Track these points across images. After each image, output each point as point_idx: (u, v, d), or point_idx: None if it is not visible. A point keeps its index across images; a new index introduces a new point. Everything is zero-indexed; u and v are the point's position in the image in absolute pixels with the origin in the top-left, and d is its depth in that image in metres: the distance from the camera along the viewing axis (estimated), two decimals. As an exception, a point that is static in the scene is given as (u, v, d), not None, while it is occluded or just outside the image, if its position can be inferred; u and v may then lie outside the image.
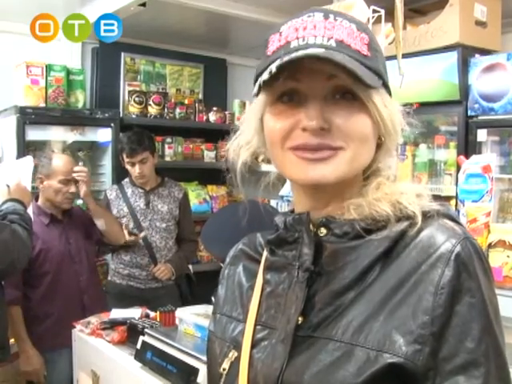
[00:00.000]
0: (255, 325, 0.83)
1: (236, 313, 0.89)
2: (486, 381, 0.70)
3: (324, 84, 0.75)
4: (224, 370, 0.84)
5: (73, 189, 2.86)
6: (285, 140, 0.78)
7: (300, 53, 0.72)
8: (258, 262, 0.91)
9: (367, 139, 0.78)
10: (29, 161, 2.74)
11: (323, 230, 0.81)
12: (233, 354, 0.84)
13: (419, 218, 0.77)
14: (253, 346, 0.82)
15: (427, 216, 0.78)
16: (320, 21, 0.77)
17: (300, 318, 0.77)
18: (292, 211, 0.89)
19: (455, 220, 0.80)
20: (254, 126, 0.84)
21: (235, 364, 0.82)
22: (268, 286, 0.85)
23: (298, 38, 0.76)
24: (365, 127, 0.77)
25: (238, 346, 0.84)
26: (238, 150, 0.87)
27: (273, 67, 0.73)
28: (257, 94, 0.78)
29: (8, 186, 2.48)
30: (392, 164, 0.87)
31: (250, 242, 0.97)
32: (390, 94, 0.82)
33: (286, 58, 0.72)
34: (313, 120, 0.75)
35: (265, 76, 0.74)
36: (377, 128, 0.79)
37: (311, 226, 0.82)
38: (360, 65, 0.75)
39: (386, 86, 0.81)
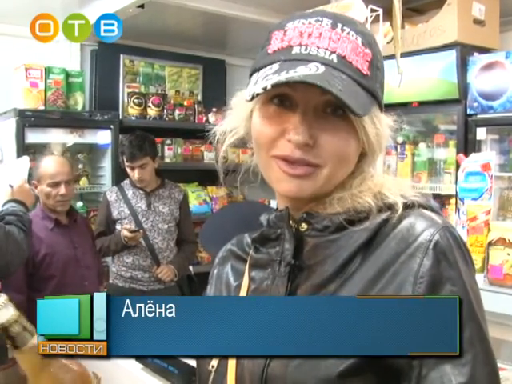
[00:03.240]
0: None
1: None
2: (473, 367, 0.70)
3: (317, 97, 0.75)
4: (213, 367, 0.84)
5: (62, 191, 2.79)
6: (270, 146, 0.79)
7: (296, 76, 0.72)
8: (246, 261, 0.91)
9: (347, 159, 0.79)
10: (25, 161, 2.72)
11: (304, 226, 0.82)
12: None
13: (400, 206, 0.78)
14: None
15: (407, 206, 0.79)
16: (327, 29, 0.77)
17: None
18: (276, 209, 0.90)
19: (435, 210, 0.81)
20: (242, 116, 0.84)
21: (223, 361, 0.83)
22: (253, 284, 0.86)
23: (300, 45, 0.76)
24: (348, 147, 0.78)
25: None
26: (225, 134, 0.87)
27: (268, 84, 0.72)
28: (250, 100, 0.77)
29: (11, 187, 2.48)
30: (374, 166, 0.87)
31: (238, 242, 0.97)
32: (381, 109, 0.82)
33: (282, 78, 0.72)
34: (299, 134, 0.75)
35: (258, 89, 0.73)
36: (361, 145, 0.80)
37: (293, 222, 0.83)
38: (356, 85, 0.75)
39: (379, 102, 0.81)
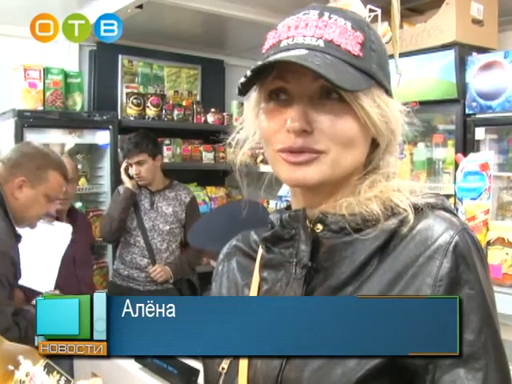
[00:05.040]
0: None
1: None
2: (487, 372, 0.70)
3: (310, 84, 0.76)
4: (223, 369, 0.83)
5: (70, 189, 2.83)
6: (274, 141, 0.79)
7: (272, 59, 0.73)
8: (253, 258, 0.91)
9: (352, 142, 0.78)
10: (67, 231, 2.65)
11: (319, 226, 0.81)
12: None
13: (411, 216, 0.77)
14: None
15: (423, 209, 0.78)
16: (313, 19, 0.77)
17: None
18: (287, 208, 0.89)
19: (451, 211, 0.80)
20: (253, 121, 0.85)
21: (234, 363, 0.82)
22: (265, 284, 0.85)
23: (288, 38, 0.77)
24: (349, 130, 0.77)
25: None
26: (241, 143, 0.87)
27: (248, 72, 0.74)
28: (239, 94, 0.78)
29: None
30: (391, 161, 0.86)
31: (243, 239, 0.96)
32: (388, 93, 0.82)
33: (259, 63, 0.74)
34: (295, 122, 0.75)
35: (242, 79, 0.75)
36: (368, 129, 0.79)
37: (308, 222, 0.82)
38: (344, 64, 0.75)
39: (382, 85, 0.80)
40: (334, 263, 0.78)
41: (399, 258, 0.75)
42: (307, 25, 0.77)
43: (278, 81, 0.77)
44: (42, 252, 2.43)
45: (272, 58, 0.74)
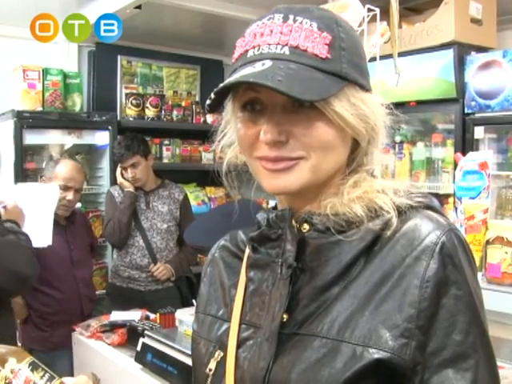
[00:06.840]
0: (240, 324, 0.83)
1: (220, 312, 0.89)
2: (476, 372, 0.70)
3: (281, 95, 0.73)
4: (210, 370, 0.83)
5: (70, 196, 2.84)
6: (251, 150, 0.78)
7: (233, 79, 0.72)
8: (240, 258, 0.90)
9: (330, 146, 0.76)
10: (55, 190, 2.70)
11: (306, 226, 0.80)
12: (219, 354, 0.84)
13: (394, 219, 0.76)
14: (238, 345, 0.81)
15: (409, 209, 0.77)
16: (278, 24, 0.75)
17: (285, 316, 0.77)
18: (274, 208, 0.89)
19: (439, 211, 0.80)
20: (233, 129, 0.84)
21: (221, 364, 0.82)
22: (251, 284, 0.84)
23: (254, 47, 0.76)
24: (325, 136, 0.75)
25: (223, 346, 0.83)
26: (225, 149, 0.87)
27: (212, 94, 0.74)
28: (208, 112, 0.78)
29: (4, 208, 2.43)
30: (376, 156, 0.85)
31: (231, 239, 0.96)
32: (365, 89, 0.79)
33: (221, 85, 0.73)
34: (267, 134, 0.74)
35: (208, 101, 0.75)
36: (345, 131, 0.77)
37: (294, 222, 0.81)
38: (312, 71, 0.73)
39: (357, 83, 0.78)
40: (321, 263, 0.78)
41: (386, 258, 0.75)
42: (272, 31, 0.75)
43: (250, 92, 0.76)
44: (34, 210, 2.49)
45: (233, 79, 0.72)
